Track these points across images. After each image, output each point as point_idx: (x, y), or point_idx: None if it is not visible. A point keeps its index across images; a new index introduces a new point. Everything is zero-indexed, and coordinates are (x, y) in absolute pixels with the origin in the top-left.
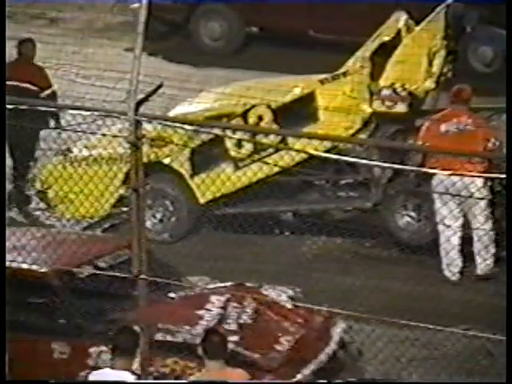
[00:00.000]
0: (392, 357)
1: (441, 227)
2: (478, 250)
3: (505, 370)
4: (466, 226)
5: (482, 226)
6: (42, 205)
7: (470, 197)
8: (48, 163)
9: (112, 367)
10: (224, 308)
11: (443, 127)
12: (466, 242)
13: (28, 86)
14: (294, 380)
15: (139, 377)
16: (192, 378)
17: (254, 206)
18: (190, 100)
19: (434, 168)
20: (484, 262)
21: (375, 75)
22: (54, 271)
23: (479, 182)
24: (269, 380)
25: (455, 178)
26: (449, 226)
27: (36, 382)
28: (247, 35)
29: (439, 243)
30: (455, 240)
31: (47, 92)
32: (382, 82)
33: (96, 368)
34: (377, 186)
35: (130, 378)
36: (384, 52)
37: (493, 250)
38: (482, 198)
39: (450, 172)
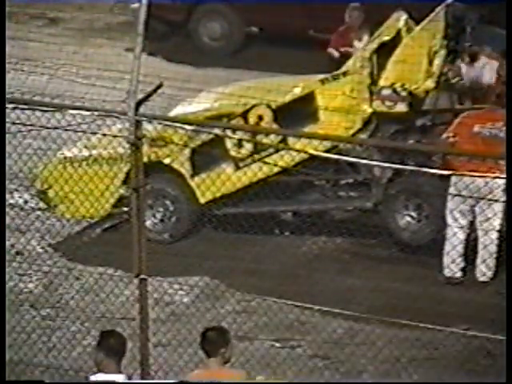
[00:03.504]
0: (392, 357)
1: (448, 226)
2: (481, 257)
3: (505, 370)
4: (472, 230)
5: (491, 230)
6: (42, 205)
7: (483, 198)
8: (48, 163)
9: (103, 371)
10: None
11: (476, 127)
12: (468, 245)
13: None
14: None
15: (130, 378)
16: (191, 375)
17: (254, 205)
18: (189, 100)
19: (454, 168)
20: (488, 270)
21: (375, 75)
22: None
23: (501, 183)
24: (266, 380)
25: (477, 179)
26: (456, 221)
27: (36, 381)
28: (247, 35)
29: (444, 242)
30: (459, 240)
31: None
32: (381, 82)
33: None
34: (377, 185)
35: (125, 379)
36: (384, 52)
37: (494, 261)
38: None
39: (450, 172)
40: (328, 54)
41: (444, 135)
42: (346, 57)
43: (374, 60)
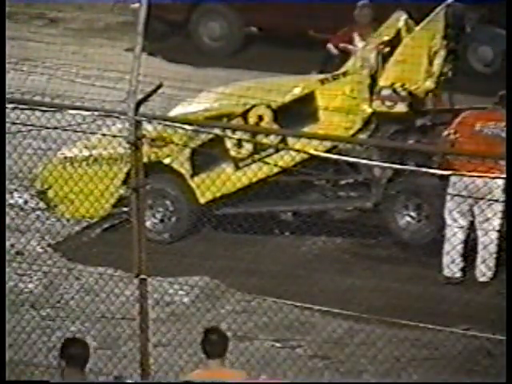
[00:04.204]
0: (392, 357)
1: (448, 226)
2: (481, 257)
3: (505, 369)
4: (472, 230)
5: (491, 230)
6: (42, 205)
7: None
8: (48, 163)
9: (65, 378)
10: None
11: (478, 126)
12: (468, 246)
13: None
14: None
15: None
16: (192, 375)
17: (254, 205)
18: (189, 100)
19: (454, 168)
20: (488, 270)
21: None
22: None
23: (501, 183)
24: (268, 380)
25: (477, 179)
26: (455, 221)
27: (36, 382)
28: (247, 35)
29: (444, 242)
30: (458, 240)
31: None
32: (381, 82)
33: None
34: (377, 185)
35: None
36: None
37: (493, 261)
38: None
39: (450, 172)
40: (326, 51)
41: (445, 132)
42: (344, 54)
43: (376, 59)
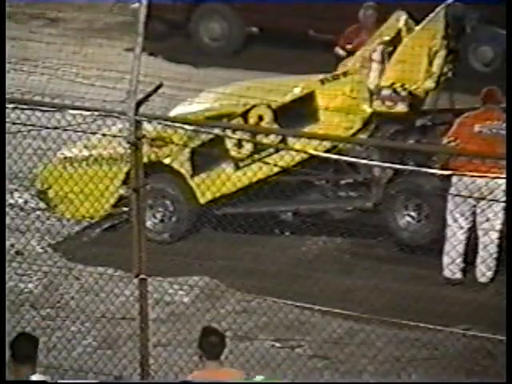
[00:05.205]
0: (392, 357)
1: (448, 227)
2: (481, 257)
3: (505, 369)
4: (473, 230)
5: (491, 230)
6: (42, 205)
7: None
8: (48, 163)
9: (16, 376)
10: None
11: (477, 127)
12: (468, 246)
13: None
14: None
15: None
16: (190, 377)
17: (254, 206)
18: (190, 100)
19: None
20: (488, 270)
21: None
22: None
23: (502, 183)
24: (267, 380)
25: (478, 179)
26: (456, 222)
27: (35, 382)
28: (247, 35)
29: (444, 242)
30: (458, 240)
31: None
32: (382, 82)
33: None
34: (377, 185)
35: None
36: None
37: (494, 261)
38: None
39: (450, 172)
40: (335, 55)
41: (445, 140)
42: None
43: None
